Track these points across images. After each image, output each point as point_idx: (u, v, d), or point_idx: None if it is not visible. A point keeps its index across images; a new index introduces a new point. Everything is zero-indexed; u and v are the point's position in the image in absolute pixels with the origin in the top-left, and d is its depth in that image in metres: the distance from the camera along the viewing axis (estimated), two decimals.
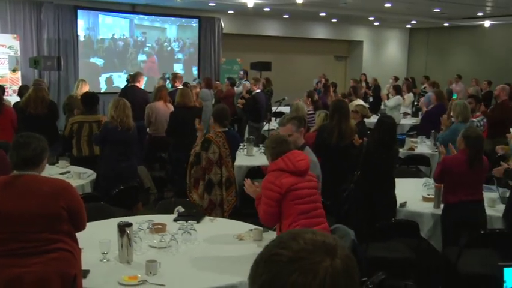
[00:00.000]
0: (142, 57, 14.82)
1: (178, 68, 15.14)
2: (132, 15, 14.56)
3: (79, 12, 13.38)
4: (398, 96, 10.35)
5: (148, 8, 14.65)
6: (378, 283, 3.12)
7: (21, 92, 8.55)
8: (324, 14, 16.47)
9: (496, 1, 14.38)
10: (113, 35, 14.21)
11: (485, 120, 6.90)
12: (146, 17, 14.83)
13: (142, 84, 8.78)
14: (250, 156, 6.83)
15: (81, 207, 2.99)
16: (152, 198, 6.69)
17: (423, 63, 20.86)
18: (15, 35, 12.04)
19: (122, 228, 3.27)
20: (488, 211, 4.64)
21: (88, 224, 3.20)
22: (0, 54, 11.64)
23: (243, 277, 1.14)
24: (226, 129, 5.17)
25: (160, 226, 3.85)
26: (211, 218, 4.37)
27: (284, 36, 18.28)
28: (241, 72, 13.10)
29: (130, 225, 3.31)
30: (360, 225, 4.45)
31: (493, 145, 6.99)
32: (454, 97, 11.44)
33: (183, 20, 15.54)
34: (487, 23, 18.23)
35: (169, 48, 15.36)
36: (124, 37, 14.43)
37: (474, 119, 6.62)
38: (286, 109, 10.91)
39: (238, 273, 3.02)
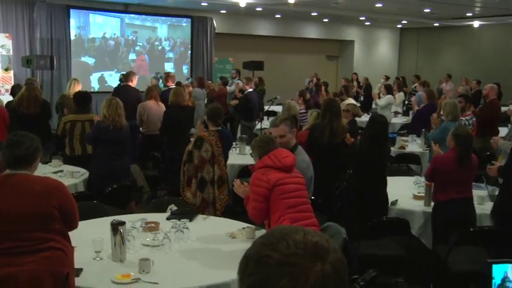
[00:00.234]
0: (132, 56, 14.82)
1: (168, 67, 15.15)
2: (123, 15, 14.54)
3: (71, 11, 13.35)
4: (389, 96, 10.40)
5: (141, 7, 14.63)
6: (369, 280, 3.16)
7: (13, 91, 8.52)
8: (315, 14, 16.52)
9: (484, 2, 14.50)
10: (104, 34, 14.19)
11: (474, 119, 6.96)
12: (137, 16, 14.82)
13: (135, 83, 8.78)
14: (243, 155, 6.86)
15: (73, 206, 3.00)
16: (145, 196, 6.69)
17: (414, 63, 20.97)
18: (7, 34, 11.99)
19: (115, 227, 3.28)
20: (478, 209, 4.69)
21: (81, 223, 3.21)
22: None
23: (236, 275, 1.14)
24: (219, 128, 5.20)
25: (153, 224, 3.87)
26: (204, 216, 4.40)
27: (276, 35, 18.31)
28: (234, 72, 13.12)
29: (123, 223, 3.32)
30: (352, 224, 4.48)
31: (482, 144, 7.07)
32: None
33: (174, 19, 15.55)
34: (476, 23, 18.37)
35: (160, 47, 15.36)
36: (115, 36, 14.40)
37: (462, 118, 6.68)
38: (278, 108, 10.95)
39: (231, 271, 3.03)
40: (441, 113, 6.64)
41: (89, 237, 3.37)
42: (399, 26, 21.07)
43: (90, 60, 14.02)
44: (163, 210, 4.34)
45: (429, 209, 4.73)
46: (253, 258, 1.09)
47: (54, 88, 13.02)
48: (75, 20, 13.53)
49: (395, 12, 16.44)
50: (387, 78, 15.13)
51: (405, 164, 7.32)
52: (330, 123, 5.54)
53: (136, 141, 7.65)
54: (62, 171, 5.68)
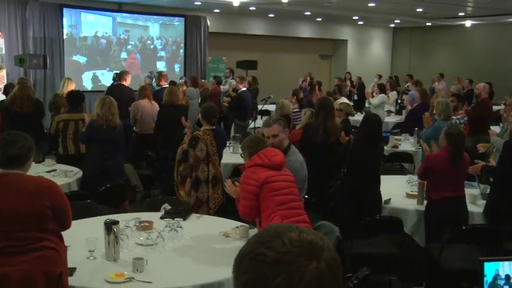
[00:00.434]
0: (124, 55, 14.79)
1: (160, 66, 15.16)
2: (115, 13, 14.49)
3: (64, 10, 13.29)
4: (383, 95, 10.43)
5: (135, 6, 14.62)
6: (362, 279, 3.17)
7: (6, 90, 8.48)
8: (309, 13, 16.54)
9: (476, 1, 14.58)
10: (96, 32, 14.14)
11: (465, 118, 7.00)
12: (129, 15, 14.78)
13: (128, 82, 8.77)
14: (236, 154, 6.84)
15: (66, 206, 2.99)
16: (138, 196, 6.69)
17: (407, 62, 21.05)
18: (0, 33, 11.93)
19: (109, 226, 3.27)
20: (470, 207, 4.72)
21: (75, 222, 3.21)
22: None
23: (230, 274, 1.14)
24: (214, 127, 5.20)
25: (146, 224, 3.87)
26: (198, 215, 4.40)
27: (270, 35, 18.32)
28: (228, 71, 13.12)
29: (116, 223, 3.31)
30: (345, 222, 4.49)
31: (474, 142, 7.09)
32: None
33: (165, 18, 15.53)
34: (468, 23, 18.48)
35: (151, 46, 15.34)
36: (107, 35, 14.36)
37: (454, 117, 6.71)
38: (271, 107, 10.96)
39: (224, 270, 3.04)
40: (434, 112, 6.68)
41: (82, 236, 3.36)
42: (392, 25, 21.15)
43: (82, 59, 13.97)
44: (156, 209, 4.34)
45: (422, 208, 4.75)
46: (248, 256, 1.09)
47: (47, 87, 12.97)
48: (66, 18, 13.48)
49: (388, 12, 16.50)
50: (380, 77, 15.18)
51: (398, 163, 7.35)
52: (324, 122, 5.56)
53: (129, 140, 7.64)
54: (55, 170, 5.67)
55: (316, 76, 15.66)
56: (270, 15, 17.46)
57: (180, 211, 4.28)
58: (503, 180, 4.54)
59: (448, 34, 19.81)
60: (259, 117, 10.31)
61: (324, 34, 20.02)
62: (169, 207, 4.32)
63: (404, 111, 10.71)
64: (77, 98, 6.51)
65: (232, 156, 6.72)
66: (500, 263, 2.20)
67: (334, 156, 5.50)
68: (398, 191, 5.20)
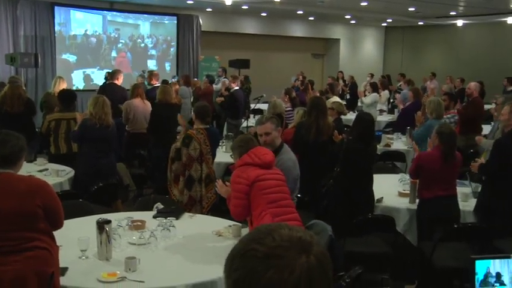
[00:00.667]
0: (115, 53, 14.74)
1: (151, 64, 15.16)
2: (107, 12, 14.42)
3: (55, 8, 13.23)
4: (375, 94, 10.45)
5: (127, 5, 14.57)
6: (355, 277, 3.18)
7: None
8: (301, 12, 16.56)
9: (468, 1, 14.65)
10: (86, 31, 14.06)
11: (456, 117, 7.03)
12: (119, 13, 14.72)
13: (120, 81, 8.74)
14: (229, 153, 6.84)
15: (58, 205, 2.98)
16: (131, 195, 6.67)
17: (399, 61, 21.13)
18: None
19: (101, 225, 3.26)
20: (462, 205, 4.74)
21: (67, 222, 3.20)
22: None
23: (222, 273, 1.15)
24: (208, 126, 5.20)
25: (139, 223, 3.86)
26: (191, 214, 4.40)
27: (262, 34, 18.33)
28: (220, 70, 13.10)
29: (109, 222, 3.30)
30: (338, 221, 4.50)
31: (465, 141, 7.13)
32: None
33: (156, 16, 15.49)
34: (459, 22, 18.58)
35: (142, 45, 15.31)
36: (97, 33, 14.29)
37: (445, 116, 6.74)
38: (264, 106, 10.95)
39: (217, 269, 3.03)
40: (426, 110, 6.70)
41: (74, 236, 3.35)
42: (384, 24, 21.21)
43: (71, 58, 13.88)
44: (149, 208, 4.33)
45: (414, 206, 4.77)
46: (239, 254, 1.10)
47: (38, 86, 12.90)
48: (56, 16, 13.39)
49: (380, 11, 16.55)
50: (372, 76, 15.22)
51: (391, 162, 7.38)
52: (316, 121, 5.57)
53: (122, 139, 7.62)
54: (47, 169, 5.64)
55: (309, 75, 15.68)
56: (262, 14, 17.46)
57: (173, 210, 4.28)
58: (493, 178, 4.57)
59: (440, 33, 19.90)
60: (251, 116, 10.30)
61: (316, 33, 20.05)
62: (162, 206, 4.31)
63: (396, 110, 10.74)
64: (69, 97, 6.48)
65: (224, 155, 6.71)
66: (491, 261, 2.21)
67: (326, 155, 5.51)
68: (390, 189, 5.22)
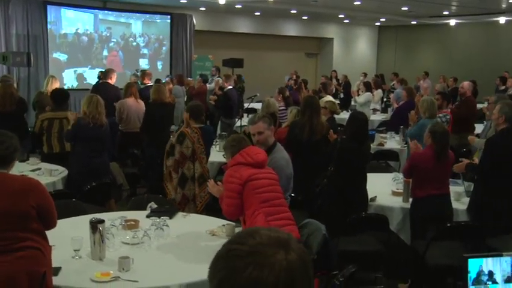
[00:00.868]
0: (107, 52, 14.68)
1: (143, 63, 15.13)
2: (98, 10, 14.34)
3: (48, 7, 13.15)
4: (368, 93, 10.48)
5: (119, 4, 14.52)
6: (348, 276, 3.19)
7: None
8: (295, 12, 16.57)
9: (460, 0, 14.71)
10: (77, 29, 13.99)
11: (448, 116, 7.06)
12: (110, 12, 14.65)
13: (114, 80, 8.71)
14: (223, 153, 6.84)
15: (51, 205, 2.97)
16: (124, 194, 6.66)
17: (392, 60, 21.19)
18: None
19: (95, 225, 3.26)
20: (454, 204, 4.76)
21: (60, 221, 3.19)
22: None
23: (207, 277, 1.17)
24: (203, 125, 5.19)
25: (132, 222, 3.85)
26: (184, 213, 4.39)
27: (256, 33, 18.33)
28: (214, 69, 13.09)
29: (102, 221, 3.30)
30: (333, 220, 4.51)
31: (458, 140, 7.16)
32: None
33: (148, 15, 15.44)
34: (452, 22, 18.66)
35: (134, 44, 15.26)
36: (88, 32, 14.21)
37: (437, 115, 6.76)
38: (258, 105, 10.95)
39: None
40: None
41: (67, 235, 3.34)
42: (378, 23, 21.26)
43: (62, 57, 13.79)
44: (142, 208, 4.32)
45: (408, 205, 4.79)
46: (222, 255, 1.12)
47: (31, 85, 12.83)
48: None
49: (374, 10, 16.59)
50: (365, 75, 15.24)
51: (384, 161, 7.40)
52: (310, 120, 5.57)
53: (115, 138, 7.60)
54: (40, 169, 5.62)
55: (303, 74, 15.69)
56: (256, 14, 17.46)
57: (166, 210, 4.27)
58: (486, 177, 4.60)
59: (433, 33, 19.98)
60: (245, 115, 10.29)
61: (310, 32, 20.07)
62: (155, 205, 4.30)
63: (389, 109, 10.77)
64: (61, 96, 6.46)
65: (218, 154, 6.70)
66: (484, 259, 2.22)
67: (320, 154, 5.52)
68: (383, 188, 5.24)
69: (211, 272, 1.13)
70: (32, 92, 12.04)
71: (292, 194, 4.55)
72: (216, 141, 7.04)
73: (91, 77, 13.61)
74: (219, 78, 11.82)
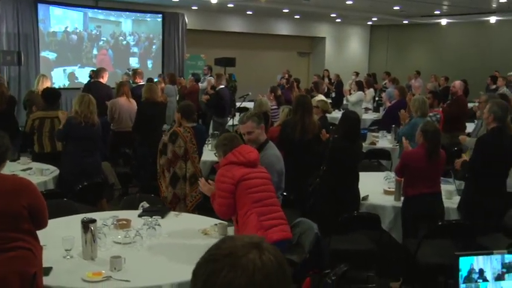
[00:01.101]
0: (96, 51, 14.59)
1: (133, 62, 15.08)
2: (88, 9, 14.25)
3: (39, 5, 13.05)
4: (360, 92, 10.50)
5: (111, 3, 14.44)
6: (340, 275, 3.19)
7: None
8: (287, 11, 16.59)
9: (452, 0, 14.78)
10: (66, 28, 13.88)
11: (438, 115, 7.09)
12: (100, 10, 14.57)
13: (105, 79, 8.68)
14: (215, 151, 6.83)
15: (42, 205, 2.95)
16: (116, 194, 6.63)
17: (384, 60, 21.26)
18: None
19: (86, 225, 3.24)
20: (446, 203, 4.78)
21: (51, 221, 3.17)
22: None
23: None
24: (195, 124, 5.19)
25: (124, 222, 3.84)
26: (176, 213, 4.39)
27: (248, 32, 18.32)
28: (206, 68, 13.07)
29: (93, 221, 3.29)
30: (325, 219, 4.51)
31: (450, 139, 7.19)
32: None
33: (138, 14, 15.38)
34: (443, 21, 18.77)
35: (124, 42, 15.19)
36: (78, 30, 14.11)
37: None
38: (250, 104, 10.95)
39: None
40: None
41: (59, 235, 3.32)
42: (370, 23, 21.32)
43: (51, 55, 13.66)
44: (134, 207, 4.31)
45: (400, 204, 4.80)
46: (202, 262, 1.18)
47: (22, 84, 12.74)
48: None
49: (366, 10, 16.63)
50: (357, 74, 15.28)
51: (376, 160, 7.42)
52: (302, 120, 5.57)
53: (106, 138, 7.57)
54: (31, 168, 5.59)
55: (295, 73, 15.71)
56: (248, 13, 17.45)
57: (158, 209, 4.27)
58: (476, 175, 4.62)
59: (424, 32, 20.07)
60: (237, 114, 10.29)
61: (302, 31, 20.09)
62: (147, 205, 4.29)
63: (381, 109, 10.80)
64: (53, 95, 6.43)
65: (210, 153, 6.68)
66: (475, 257, 2.23)
67: (312, 153, 5.52)
68: (375, 187, 5.25)
69: (193, 280, 1.17)
70: (23, 91, 11.95)
71: (285, 193, 4.55)
72: (209, 141, 7.03)
73: (82, 76, 13.54)
74: (211, 78, 11.81)
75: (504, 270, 2.24)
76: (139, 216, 4.05)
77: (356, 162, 5.08)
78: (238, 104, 10.96)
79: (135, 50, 15.45)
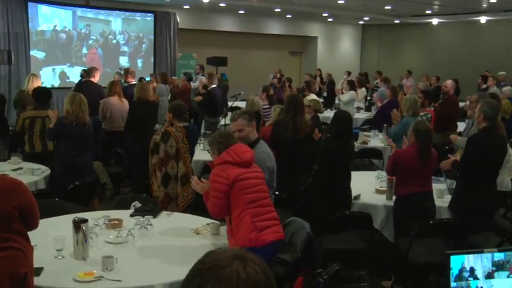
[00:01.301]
0: (86, 50, 14.50)
1: (123, 61, 15.03)
2: (77, 7, 14.17)
3: (29, 4, 12.96)
4: (352, 91, 10.51)
5: (103, 2, 14.38)
6: (333, 274, 3.20)
7: None
8: (278, 10, 16.59)
9: (443, 0, 14.85)
10: (55, 26, 13.77)
11: (429, 115, 7.12)
12: (90, 9, 14.48)
13: (97, 79, 8.64)
14: (207, 151, 6.82)
15: (33, 205, 2.94)
16: (108, 193, 6.61)
17: (376, 59, 21.32)
18: None
19: (78, 225, 3.23)
20: (437, 202, 4.81)
21: (42, 221, 3.15)
22: None
23: None
24: (187, 123, 5.17)
25: (116, 222, 3.83)
26: (168, 212, 4.37)
27: (240, 31, 18.32)
28: (198, 67, 13.05)
29: (85, 221, 3.27)
30: (317, 219, 4.52)
31: (441, 138, 7.23)
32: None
33: (128, 13, 15.31)
34: (434, 21, 18.86)
35: (114, 41, 15.12)
36: (67, 29, 14.01)
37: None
38: (242, 104, 10.95)
39: None
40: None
41: (50, 235, 3.31)
42: (361, 22, 21.38)
43: (40, 54, 13.53)
44: (126, 207, 4.30)
45: (391, 203, 4.82)
46: (189, 277, 1.19)
47: (12, 83, 12.65)
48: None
49: (357, 9, 16.67)
50: (349, 74, 15.32)
51: (368, 159, 7.44)
52: (294, 119, 5.58)
53: (98, 137, 7.54)
54: (21, 168, 5.55)
55: (287, 73, 15.72)
56: (240, 12, 17.45)
57: (150, 209, 4.25)
58: (467, 175, 4.65)
59: (416, 32, 20.16)
60: (229, 114, 10.28)
61: (294, 31, 20.11)
62: (139, 204, 4.28)
63: (373, 108, 10.83)
64: (43, 94, 6.39)
65: (202, 153, 6.69)
66: (466, 256, 2.25)
67: (304, 152, 5.53)
68: (367, 186, 5.27)
69: None
70: (13, 90, 11.87)
71: (277, 192, 4.55)
72: (200, 140, 7.02)
73: (73, 75, 13.46)
74: (202, 77, 11.79)
75: (494, 268, 2.26)
76: (131, 216, 4.04)
77: (348, 162, 5.09)
78: (230, 104, 10.95)
79: (125, 49, 15.38)
